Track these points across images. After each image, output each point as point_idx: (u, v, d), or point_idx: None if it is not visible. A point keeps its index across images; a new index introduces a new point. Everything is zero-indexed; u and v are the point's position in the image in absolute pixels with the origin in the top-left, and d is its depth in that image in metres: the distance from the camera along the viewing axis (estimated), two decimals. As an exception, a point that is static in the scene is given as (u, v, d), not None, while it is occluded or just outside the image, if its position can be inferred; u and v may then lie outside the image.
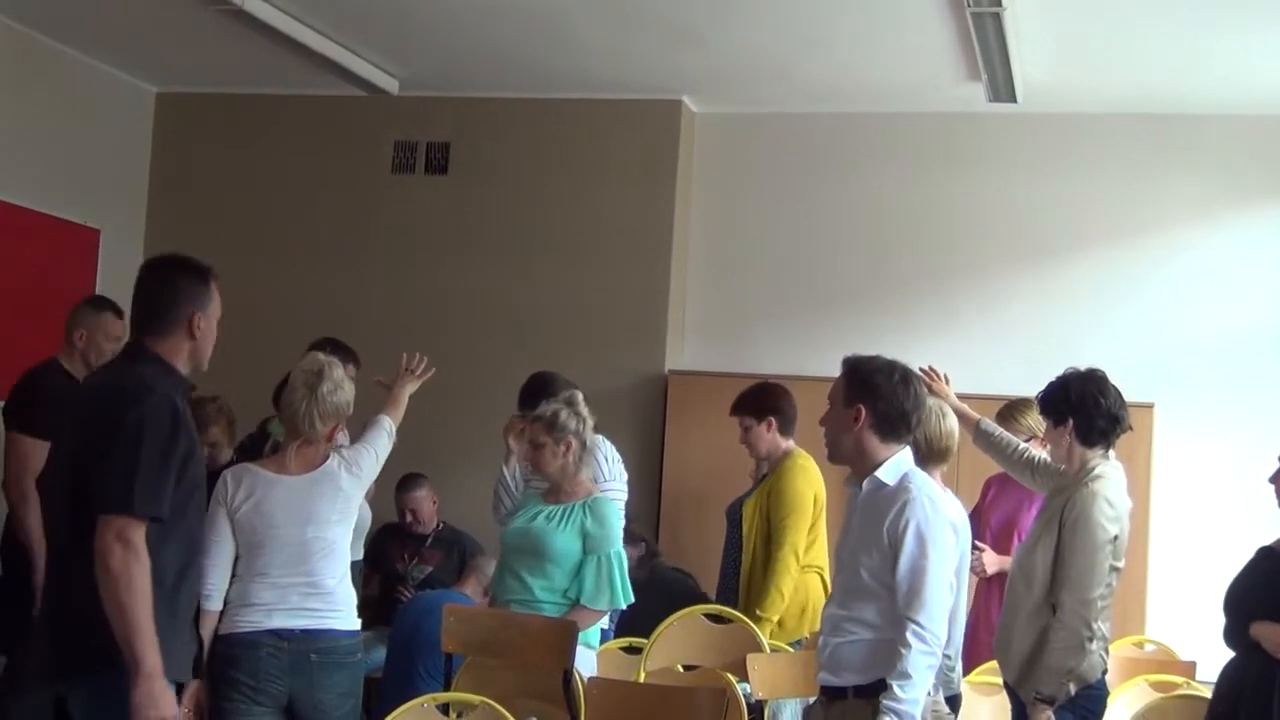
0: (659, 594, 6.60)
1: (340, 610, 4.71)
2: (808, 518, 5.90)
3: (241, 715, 4.58)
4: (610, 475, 6.37)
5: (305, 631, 4.61)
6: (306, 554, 4.66)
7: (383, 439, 5.00)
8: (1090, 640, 4.73)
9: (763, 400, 6.17)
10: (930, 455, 5.12)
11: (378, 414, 5.12)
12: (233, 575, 4.69)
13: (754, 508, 6.10)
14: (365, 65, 8.46)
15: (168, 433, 3.82)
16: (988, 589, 6.24)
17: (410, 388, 5.28)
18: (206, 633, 4.59)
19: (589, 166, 8.96)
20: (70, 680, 3.85)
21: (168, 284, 4.08)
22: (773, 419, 6.10)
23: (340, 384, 4.81)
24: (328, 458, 4.79)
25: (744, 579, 6.07)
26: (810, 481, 5.86)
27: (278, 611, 4.61)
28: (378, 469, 4.97)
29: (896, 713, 3.90)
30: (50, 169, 8.50)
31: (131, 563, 3.71)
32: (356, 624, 4.78)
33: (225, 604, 4.65)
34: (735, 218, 9.03)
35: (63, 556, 3.97)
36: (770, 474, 6.14)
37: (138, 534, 3.74)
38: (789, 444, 6.01)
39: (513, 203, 9.03)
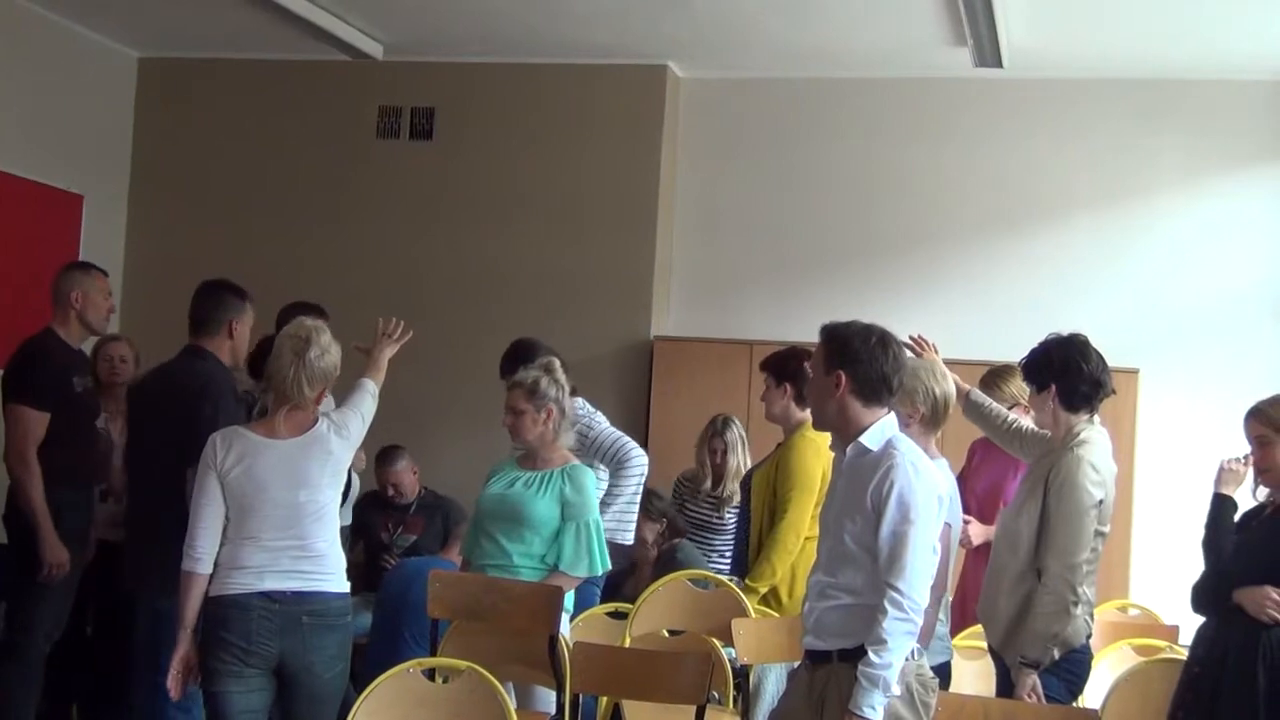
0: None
1: (332, 573, 4.70)
2: (813, 493, 5.84)
3: (233, 677, 4.55)
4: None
5: (297, 594, 4.59)
6: (298, 517, 4.64)
7: (367, 401, 4.99)
8: (1075, 605, 4.74)
9: (786, 365, 6.10)
10: (937, 419, 5.09)
11: (359, 378, 5.09)
12: (222, 538, 4.66)
13: (763, 480, 6.07)
14: (349, 30, 8.42)
15: None
16: (975, 558, 6.22)
17: (389, 351, 5.24)
18: (195, 596, 4.61)
19: (574, 132, 8.93)
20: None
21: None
22: (789, 386, 6.02)
23: (327, 349, 4.79)
24: (317, 421, 4.79)
25: (751, 550, 6.06)
26: (819, 456, 5.79)
27: (269, 574, 4.59)
28: (364, 431, 4.96)
29: (870, 678, 3.91)
30: (32, 135, 8.46)
31: None
32: (346, 586, 4.77)
33: (215, 566, 4.63)
34: (721, 183, 9.02)
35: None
36: (781, 446, 6.11)
37: None
38: (803, 415, 5.94)
39: (498, 168, 9.01)
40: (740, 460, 7.28)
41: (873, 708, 3.91)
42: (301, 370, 4.71)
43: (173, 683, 4.63)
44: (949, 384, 5.20)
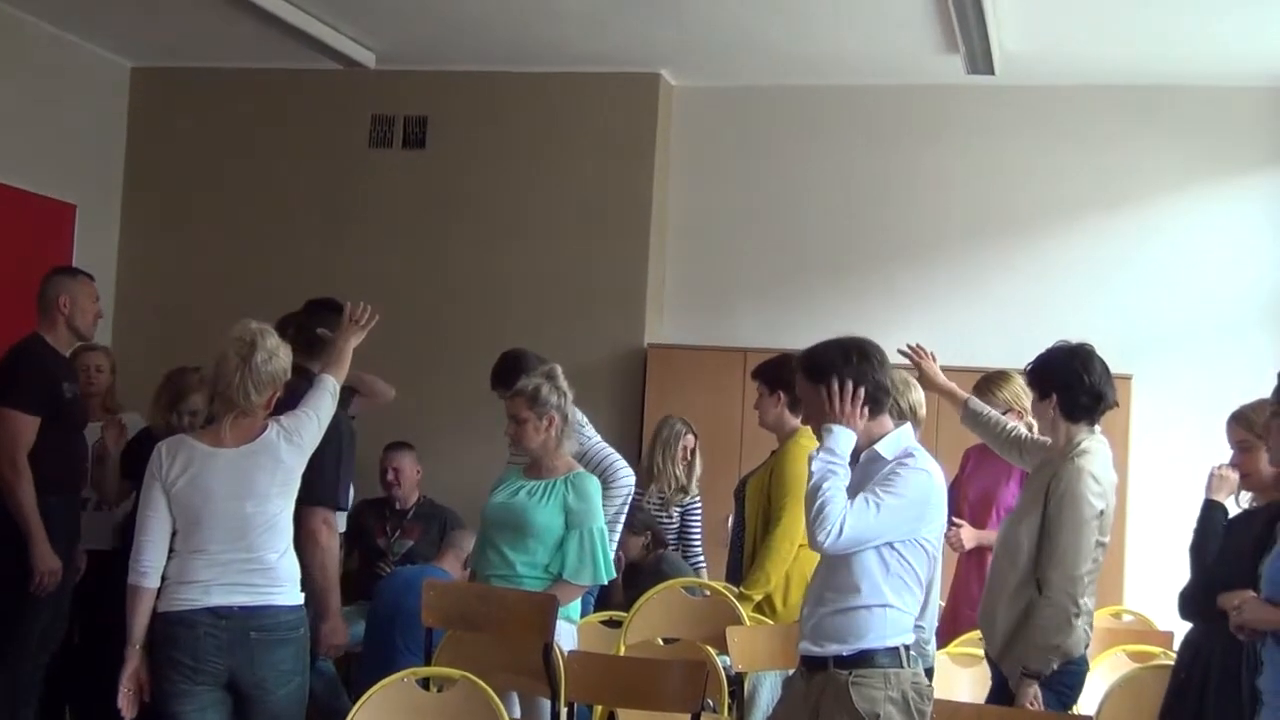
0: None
1: (283, 586, 4.55)
2: None
3: (183, 696, 4.43)
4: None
5: (244, 608, 4.45)
6: (247, 529, 4.49)
7: (325, 401, 4.78)
8: (1077, 616, 4.74)
9: (778, 373, 6.08)
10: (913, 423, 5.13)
11: (319, 373, 4.92)
12: (170, 551, 4.51)
13: (757, 487, 6.06)
14: (341, 39, 8.42)
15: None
16: (968, 563, 6.23)
17: (355, 339, 5.02)
18: (143, 611, 4.48)
19: (567, 140, 8.93)
20: None
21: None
22: (783, 394, 6.01)
23: (274, 352, 4.60)
24: (266, 429, 4.60)
25: (746, 558, 6.06)
26: None
27: (216, 588, 4.44)
28: (320, 434, 4.75)
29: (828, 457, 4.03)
30: (25, 144, 8.44)
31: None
32: (299, 598, 4.61)
33: (163, 580, 4.48)
34: (714, 191, 9.02)
35: None
36: (775, 453, 6.11)
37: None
38: (796, 422, 5.94)
39: (491, 177, 9.01)
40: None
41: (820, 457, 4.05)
42: (248, 375, 4.53)
43: (124, 701, 4.48)
44: (915, 392, 5.24)
